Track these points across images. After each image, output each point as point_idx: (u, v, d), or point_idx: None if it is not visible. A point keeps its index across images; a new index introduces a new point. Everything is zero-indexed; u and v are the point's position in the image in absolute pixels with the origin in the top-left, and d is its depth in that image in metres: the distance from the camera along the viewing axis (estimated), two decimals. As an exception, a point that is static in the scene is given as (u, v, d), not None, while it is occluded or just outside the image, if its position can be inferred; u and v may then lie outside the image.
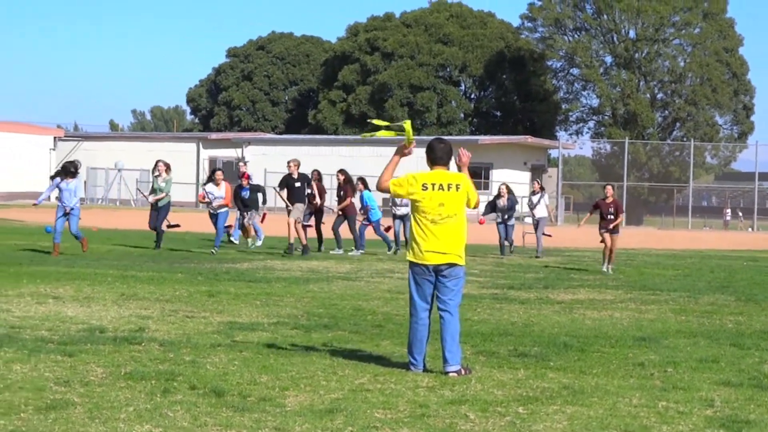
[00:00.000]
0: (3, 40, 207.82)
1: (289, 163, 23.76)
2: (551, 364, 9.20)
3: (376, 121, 9.31)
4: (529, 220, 28.11)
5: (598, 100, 74.41)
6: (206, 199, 23.25)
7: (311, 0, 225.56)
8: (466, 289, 10.34)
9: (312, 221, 24.13)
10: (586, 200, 75.02)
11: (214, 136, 67.45)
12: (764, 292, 17.03)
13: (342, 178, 24.87)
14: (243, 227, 25.25)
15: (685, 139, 69.71)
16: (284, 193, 23.33)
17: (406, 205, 22.58)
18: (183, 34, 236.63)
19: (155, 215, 23.22)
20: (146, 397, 7.37)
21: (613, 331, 11.62)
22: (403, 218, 24.20)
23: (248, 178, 25.29)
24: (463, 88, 76.43)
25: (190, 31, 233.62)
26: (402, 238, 24.53)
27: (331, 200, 28.35)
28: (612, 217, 21.28)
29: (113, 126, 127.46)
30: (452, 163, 9.06)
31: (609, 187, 22.21)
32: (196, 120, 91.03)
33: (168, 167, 23.61)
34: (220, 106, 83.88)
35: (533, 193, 27.81)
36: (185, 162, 60.64)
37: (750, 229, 59.56)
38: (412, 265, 8.82)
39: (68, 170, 20.66)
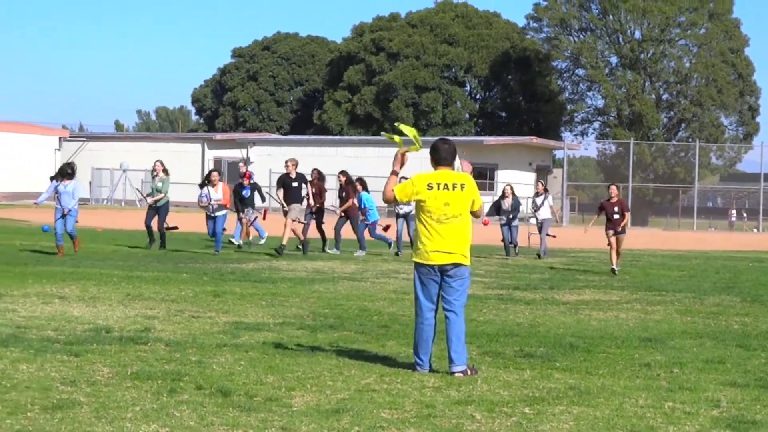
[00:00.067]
0: (8, 39, 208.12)
1: (287, 162, 23.40)
2: (557, 365, 9.20)
3: (402, 127, 9.22)
4: (533, 221, 28.02)
5: (603, 100, 74.38)
6: (203, 203, 22.87)
7: (316, 0, 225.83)
8: (471, 289, 10.35)
9: (311, 220, 24.03)
10: (591, 201, 75.01)
11: (219, 136, 67.48)
12: (770, 293, 16.99)
13: (343, 179, 24.81)
14: (240, 223, 24.99)
15: (690, 140, 69.63)
16: (281, 193, 22.97)
17: (409, 203, 22.39)
18: (188, 34, 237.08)
19: (152, 213, 23.16)
20: (153, 396, 7.38)
21: (619, 332, 11.61)
22: (406, 217, 23.94)
23: (249, 177, 25.18)
24: (468, 88, 76.41)
25: (195, 32, 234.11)
26: (405, 237, 24.28)
27: (333, 201, 28.28)
28: (618, 217, 21.20)
29: (118, 126, 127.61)
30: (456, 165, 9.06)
31: (613, 188, 21.99)
32: (201, 120, 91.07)
33: (165, 167, 23.51)
34: (225, 106, 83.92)
35: (537, 194, 27.70)
36: (190, 162, 60.67)
37: (755, 230, 59.49)
38: (418, 265, 8.82)
39: (65, 172, 20.67)
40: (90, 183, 61.13)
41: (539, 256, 25.51)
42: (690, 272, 21.97)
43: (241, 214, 24.89)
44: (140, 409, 6.95)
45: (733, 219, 68.75)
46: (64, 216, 20.41)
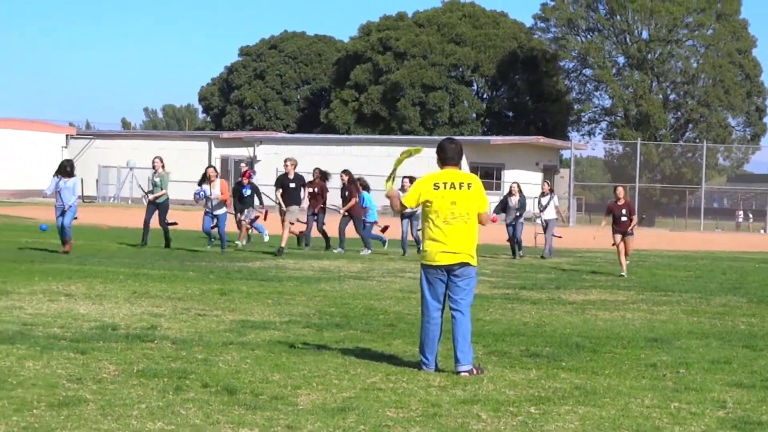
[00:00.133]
0: (17, 37, 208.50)
1: (286, 162, 23.02)
2: (563, 365, 9.20)
3: (413, 150, 9.30)
4: (538, 221, 27.94)
5: (610, 100, 74.28)
6: (200, 199, 22.77)
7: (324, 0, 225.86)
8: (477, 289, 10.33)
9: (312, 221, 24.01)
10: (598, 201, 74.98)
11: (226, 134, 67.48)
12: (777, 294, 16.97)
13: (346, 178, 24.72)
14: (239, 225, 24.97)
15: (697, 140, 69.53)
16: (279, 193, 22.74)
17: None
18: (196, 32, 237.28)
19: (152, 209, 23.17)
20: (158, 394, 7.38)
21: (625, 332, 11.60)
22: (410, 217, 23.88)
23: (249, 176, 25.11)
24: (475, 88, 76.36)
25: (202, 30, 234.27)
26: (409, 237, 24.25)
27: (336, 200, 28.22)
28: (625, 219, 21.11)
29: (125, 124, 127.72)
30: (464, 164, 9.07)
31: (620, 189, 21.80)
32: (208, 119, 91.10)
33: (164, 164, 23.58)
34: (232, 104, 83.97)
35: (542, 194, 27.59)
36: (197, 160, 60.58)
37: (762, 231, 59.42)
38: (425, 265, 8.83)
39: (65, 169, 20.74)
40: (97, 180, 61.16)
41: (543, 257, 25.48)
42: (696, 273, 21.95)
43: (240, 215, 24.74)
44: (146, 407, 6.96)
45: (740, 220, 68.68)
46: (63, 213, 20.44)
